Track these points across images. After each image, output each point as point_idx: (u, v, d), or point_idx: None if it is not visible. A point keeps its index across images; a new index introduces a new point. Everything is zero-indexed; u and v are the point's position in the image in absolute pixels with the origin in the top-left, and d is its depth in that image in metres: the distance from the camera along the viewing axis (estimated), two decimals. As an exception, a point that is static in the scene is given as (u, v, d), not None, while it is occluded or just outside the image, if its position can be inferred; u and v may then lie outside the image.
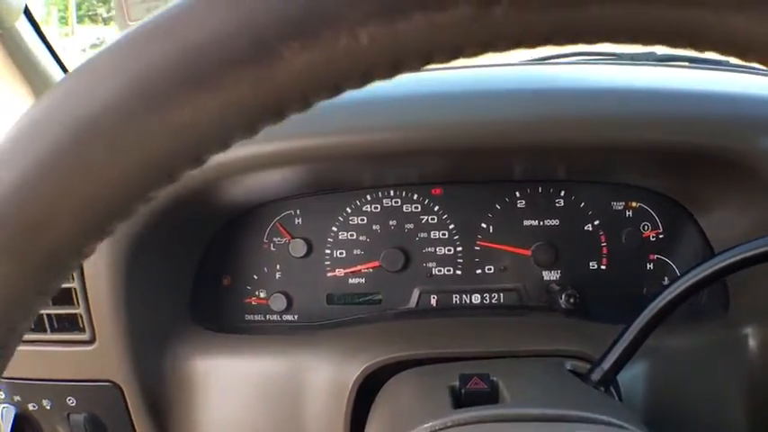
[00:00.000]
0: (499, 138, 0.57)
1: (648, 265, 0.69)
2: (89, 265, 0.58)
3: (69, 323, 0.59)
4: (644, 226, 0.69)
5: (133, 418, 0.61)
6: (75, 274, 0.57)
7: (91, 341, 0.59)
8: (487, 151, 0.59)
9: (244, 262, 0.69)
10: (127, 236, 0.58)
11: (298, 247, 0.67)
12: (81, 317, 0.59)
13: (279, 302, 0.68)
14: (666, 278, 0.70)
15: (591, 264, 0.69)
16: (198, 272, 0.67)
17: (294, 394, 0.60)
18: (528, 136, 0.57)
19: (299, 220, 0.68)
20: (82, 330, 0.59)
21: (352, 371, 0.59)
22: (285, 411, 0.61)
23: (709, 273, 0.52)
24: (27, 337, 0.57)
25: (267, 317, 0.69)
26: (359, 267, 0.68)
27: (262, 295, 0.69)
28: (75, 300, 0.58)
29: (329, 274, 0.68)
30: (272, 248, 0.68)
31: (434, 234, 0.68)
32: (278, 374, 0.61)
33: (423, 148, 0.57)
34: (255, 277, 0.69)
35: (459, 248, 0.68)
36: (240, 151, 0.56)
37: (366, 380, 0.58)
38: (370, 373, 0.58)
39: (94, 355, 0.59)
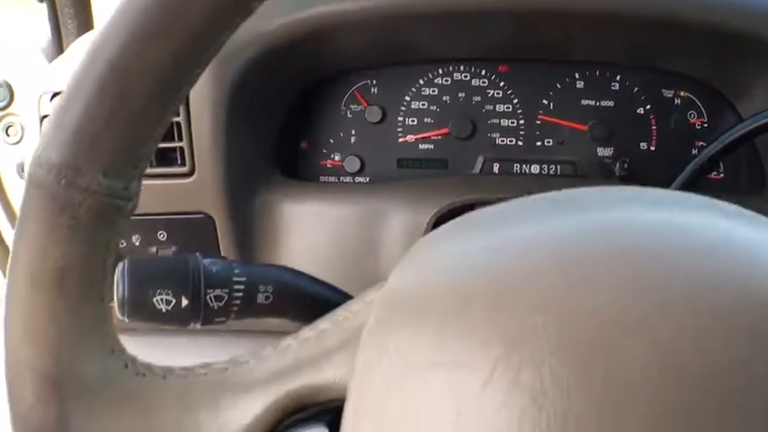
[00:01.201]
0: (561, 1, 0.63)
1: (693, 151, 0.75)
2: (195, 102, 0.63)
3: (170, 158, 0.65)
4: (690, 114, 0.74)
5: (222, 250, 0.67)
6: (181, 110, 0.63)
7: (190, 174, 0.65)
8: (550, 16, 0.65)
9: (321, 127, 0.74)
10: (227, 82, 0.64)
11: (373, 114, 0.73)
12: (183, 150, 0.64)
13: (353, 164, 0.74)
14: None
15: (642, 144, 0.74)
16: (278, 136, 0.73)
17: (370, 235, 0.66)
18: (590, 2, 0.63)
19: (375, 90, 0.74)
20: (182, 164, 0.65)
21: (425, 213, 0.64)
22: (361, 250, 0.66)
23: (744, 132, 0.58)
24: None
25: (341, 178, 0.75)
26: (429, 134, 0.74)
27: (337, 158, 0.75)
28: (178, 135, 0.64)
29: (401, 140, 0.74)
30: (348, 115, 0.74)
31: (499, 107, 0.74)
32: (355, 218, 0.67)
33: (488, 9, 0.63)
34: (332, 141, 0.74)
35: (522, 121, 0.74)
36: (325, 8, 0.63)
37: (438, 221, 0.64)
38: (440, 216, 0.64)
39: (192, 187, 0.65)
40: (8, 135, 0.85)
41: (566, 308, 0.25)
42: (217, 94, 0.63)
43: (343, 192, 0.70)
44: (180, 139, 0.64)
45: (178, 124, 0.64)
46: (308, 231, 0.68)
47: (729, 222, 0.30)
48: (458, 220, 0.31)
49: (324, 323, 0.30)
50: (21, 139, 0.84)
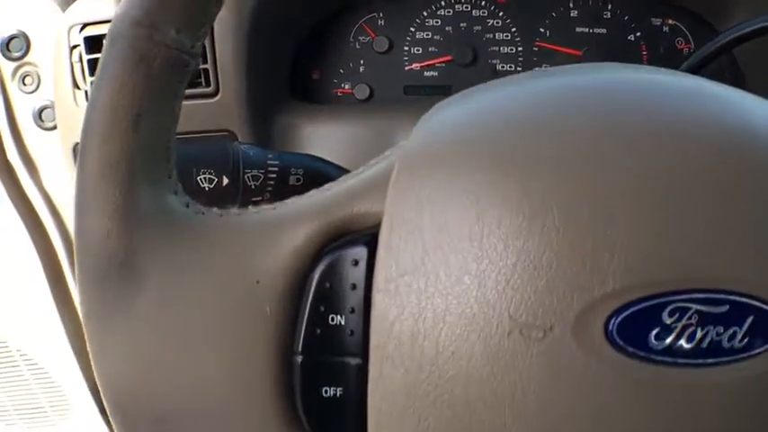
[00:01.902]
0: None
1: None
2: (218, 27, 0.68)
3: (197, 82, 0.70)
4: (678, 41, 0.80)
5: (243, 167, 0.72)
6: (206, 33, 0.68)
7: (214, 94, 0.70)
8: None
9: (332, 58, 0.79)
10: (248, 9, 0.69)
11: (381, 44, 0.78)
12: (208, 72, 0.69)
13: (362, 92, 0.79)
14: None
15: (632, 69, 0.79)
16: (293, 66, 0.78)
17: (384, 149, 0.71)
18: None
19: (382, 21, 0.79)
20: (207, 85, 0.69)
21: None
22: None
23: (721, 44, 0.64)
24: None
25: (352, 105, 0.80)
26: (433, 61, 0.79)
27: (347, 86, 0.80)
28: (203, 58, 0.69)
29: (407, 68, 0.79)
30: (357, 46, 0.79)
31: (499, 35, 0.79)
32: (367, 137, 0.72)
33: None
34: (342, 71, 0.79)
35: (520, 48, 0.79)
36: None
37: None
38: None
39: (216, 106, 0.70)
40: (24, 84, 0.89)
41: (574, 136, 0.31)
42: (238, 20, 0.68)
43: (355, 114, 0.75)
44: (205, 62, 0.69)
45: (203, 48, 0.69)
46: (323, 151, 0.73)
47: (699, 81, 0.37)
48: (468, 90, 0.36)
49: (359, 170, 0.35)
50: (37, 87, 0.88)
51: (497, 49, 0.79)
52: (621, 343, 0.30)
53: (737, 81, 0.78)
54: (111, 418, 0.34)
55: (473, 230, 0.30)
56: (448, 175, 0.31)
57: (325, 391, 0.32)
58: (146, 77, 0.32)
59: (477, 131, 0.32)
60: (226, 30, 0.68)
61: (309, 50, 0.79)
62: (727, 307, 0.30)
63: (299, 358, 0.32)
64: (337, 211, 0.33)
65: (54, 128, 0.79)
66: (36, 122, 0.86)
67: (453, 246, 0.30)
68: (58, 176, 0.82)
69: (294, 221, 0.33)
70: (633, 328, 0.30)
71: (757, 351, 0.30)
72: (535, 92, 0.35)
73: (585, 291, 0.29)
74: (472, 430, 0.30)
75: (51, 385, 0.98)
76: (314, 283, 0.32)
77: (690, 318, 0.29)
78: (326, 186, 0.34)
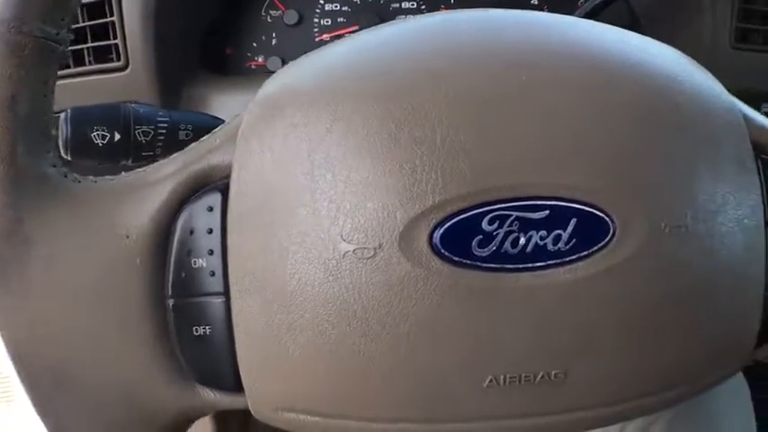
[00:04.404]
0: None
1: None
2: (126, 3, 0.70)
3: (108, 57, 0.72)
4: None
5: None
6: (115, 10, 0.70)
7: (124, 68, 0.72)
8: None
9: (244, 33, 0.82)
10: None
11: (291, 17, 0.81)
12: (117, 47, 0.72)
13: (275, 63, 0.81)
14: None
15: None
16: (205, 41, 0.80)
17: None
18: None
19: (287, -4, 0.82)
20: (118, 60, 0.72)
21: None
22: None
23: None
24: (70, 71, 0.71)
25: (265, 77, 0.82)
26: (342, 31, 0.82)
27: (260, 59, 0.82)
28: (113, 33, 0.71)
29: (317, 39, 0.82)
30: (268, 20, 0.82)
31: (405, 4, 0.82)
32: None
33: None
34: (255, 45, 0.82)
35: (426, 16, 0.82)
36: None
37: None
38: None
39: (126, 80, 0.72)
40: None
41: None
42: (144, -6, 0.71)
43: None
44: (115, 37, 0.71)
45: (113, 23, 0.71)
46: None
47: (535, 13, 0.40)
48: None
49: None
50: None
51: (404, 17, 0.82)
52: (447, 253, 0.32)
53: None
54: (15, 371, 0.37)
55: (305, 166, 0.33)
56: (283, 119, 0.34)
57: (196, 330, 0.36)
58: (18, 66, 0.35)
59: (308, 76, 0.36)
60: (133, 6, 0.71)
61: (222, 25, 0.81)
62: (547, 212, 0.32)
63: (171, 302, 0.36)
64: (195, 166, 0.36)
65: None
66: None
67: (290, 182, 0.33)
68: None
69: (158, 180, 0.36)
70: (457, 239, 0.32)
71: (586, 252, 0.33)
72: (367, 35, 0.38)
73: (408, 207, 0.32)
74: (326, 351, 0.33)
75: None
76: (177, 232, 0.36)
77: (511, 224, 0.32)
78: (189, 147, 0.37)
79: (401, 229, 0.32)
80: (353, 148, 0.33)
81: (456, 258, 0.32)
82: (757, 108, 0.78)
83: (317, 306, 0.33)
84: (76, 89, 0.73)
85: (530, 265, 0.33)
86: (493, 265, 0.32)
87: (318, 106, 0.34)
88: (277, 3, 0.82)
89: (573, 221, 0.32)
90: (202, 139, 0.37)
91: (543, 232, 0.32)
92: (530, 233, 0.32)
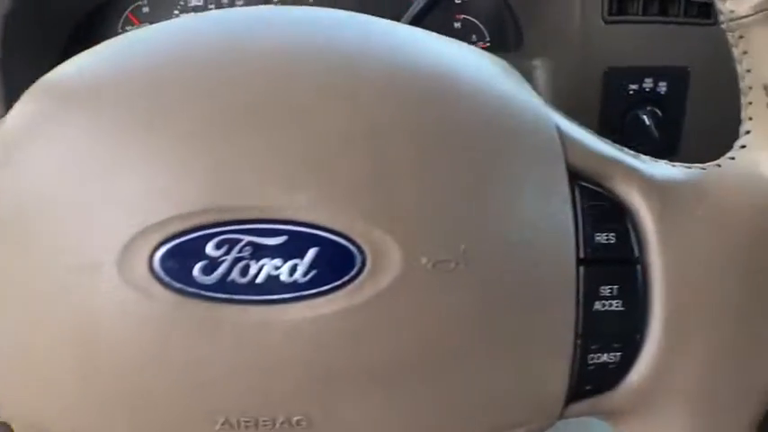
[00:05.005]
0: None
1: (456, 24, 0.80)
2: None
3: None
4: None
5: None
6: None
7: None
8: None
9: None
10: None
11: (147, 32, 0.78)
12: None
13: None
14: (474, 36, 0.80)
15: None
16: (62, 59, 0.78)
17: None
18: None
19: (147, 9, 0.79)
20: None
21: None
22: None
23: None
24: None
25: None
26: (200, 42, 0.79)
27: (122, 77, 0.80)
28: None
29: (176, 52, 0.79)
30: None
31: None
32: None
33: None
34: (114, 62, 0.80)
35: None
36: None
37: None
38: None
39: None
40: None
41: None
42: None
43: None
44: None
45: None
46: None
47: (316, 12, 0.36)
48: None
49: None
50: None
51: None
52: (167, 279, 0.29)
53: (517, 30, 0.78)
54: None
55: (49, 177, 0.31)
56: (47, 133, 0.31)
57: None
58: None
59: (65, 79, 0.34)
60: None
61: (79, 43, 0.79)
62: (284, 238, 0.28)
63: None
64: None
65: None
66: None
67: (31, 191, 0.31)
68: None
69: None
70: (178, 263, 0.29)
71: (328, 287, 0.29)
72: (138, 33, 0.35)
73: (129, 225, 0.29)
74: (57, 371, 0.30)
75: None
76: None
77: (241, 250, 0.28)
78: None
79: (119, 248, 0.29)
80: (80, 158, 0.30)
81: (177, 285, 0.29)
82: (640, 85, 0.74)
83: (51, 325, 0.30)
84: None
85: (261, 297, 0.29)
86: (218, 295, 0.29)
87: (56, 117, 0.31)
88: (132, 18, 0.79)
89: (313, 251, 0.28)
90: None
91: (278, 261, 0.28)
92: (262, 261, 0.28)
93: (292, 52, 0.32)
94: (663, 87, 0.74)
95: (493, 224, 0.30)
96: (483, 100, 0.32)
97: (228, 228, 0.28)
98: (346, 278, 0.29)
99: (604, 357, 0.33)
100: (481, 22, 0.80)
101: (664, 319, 0.33)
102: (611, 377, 0.34)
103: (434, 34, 0.36)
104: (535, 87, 0.75)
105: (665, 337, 0.33)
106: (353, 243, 0.29)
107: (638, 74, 0.73)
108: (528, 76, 0.75)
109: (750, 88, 0.36)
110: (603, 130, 0.74)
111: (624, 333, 0.33)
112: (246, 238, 0.28)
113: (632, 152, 0.35)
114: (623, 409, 0.35)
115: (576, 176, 0.32)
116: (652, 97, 0.74)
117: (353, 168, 0.29)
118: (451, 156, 0.30)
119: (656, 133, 0.73)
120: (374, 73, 0.31)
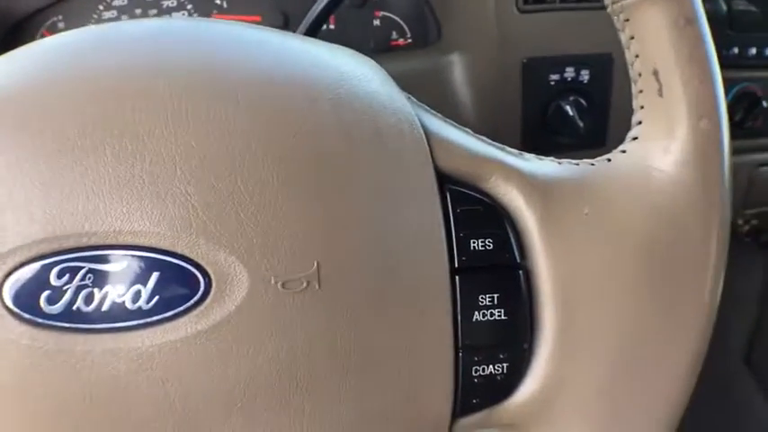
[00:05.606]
0: None
1: (375, 22, 0.78)
2: None
3: None
4: None
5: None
6: None
7: None
8: None
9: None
10: None
11: (63, 46, 0.78)
12: None
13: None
14: (395, 33, 0.79)
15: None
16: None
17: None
18: None
19: (63, 24, 0.78)
20: None
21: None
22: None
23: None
24: None
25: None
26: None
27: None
28: None
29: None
30: (43, 52, 0.79)
31: (175, 15, 0.78)
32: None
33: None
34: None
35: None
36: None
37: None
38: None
39: None
40: None
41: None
42: None
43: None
44: None
45: None
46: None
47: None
48: None
49: None
50: None
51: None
52: (17, 309, 0.28)
53: (437, 25, 0.76)
54: None
55: None
56: None
57: None
58: None
59: None
60: None
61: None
62: (125, 264, 0.28)
63: None
64: None
65: None
66: None
67: None
68: None
69: None
70: (26, 293, 0.28)
71: (172, 312, 0.28)
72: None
73: None
74: None
75: None
76: None
77: (84, 278, 0.28)
78: None
79: None
80: None
81: (27, 315, 0.28)
82: (561, 74, 0.72)
83: None
84: None
85: (108, 325, 0.28)
86: (66, 325, 0.28)
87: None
88: (47, 35, 0.78)
89: (155, 275, 0.28)
90: None
91: (121, 288, 0.28)
92: (105, 288, 0.28)
93: (132, 73, 0.30)
94: (585, 76, 0.71)
95: (351, 238, 0.29)
96: (342, 104, 0.30)
97: (67, 256, 0.28)
98: (191, 303, 0.28)
99: (490, 369, 0.31)
100: (401, 19, 0.78)
101: (553, 328, 0.31)
102: (500, 389, 0.32)
103: (310, 39, 0.34)
104: (454, 83, 0.75)
105: (555, 346, 0.31)
106: (197, 266, 0.28)
107: (558, 63, 0.71)
108: (448, 71, 0.73)
109: (640, 75, 0.34)
110: (527, 124, 0.71)
111: (509, 343, 0.31)
112: (87, 266, 0.28)
113: (515, 150, 0.33)
114: (518, 422, 0.33)
115: (446, 180, 0.31)
116: (574, 86, 0.72)
117: (193, 188, 0.28)
118: (302, 167, 0.29)
119: (580, 123, 0.70)
120: (222, 87, 0.30)
